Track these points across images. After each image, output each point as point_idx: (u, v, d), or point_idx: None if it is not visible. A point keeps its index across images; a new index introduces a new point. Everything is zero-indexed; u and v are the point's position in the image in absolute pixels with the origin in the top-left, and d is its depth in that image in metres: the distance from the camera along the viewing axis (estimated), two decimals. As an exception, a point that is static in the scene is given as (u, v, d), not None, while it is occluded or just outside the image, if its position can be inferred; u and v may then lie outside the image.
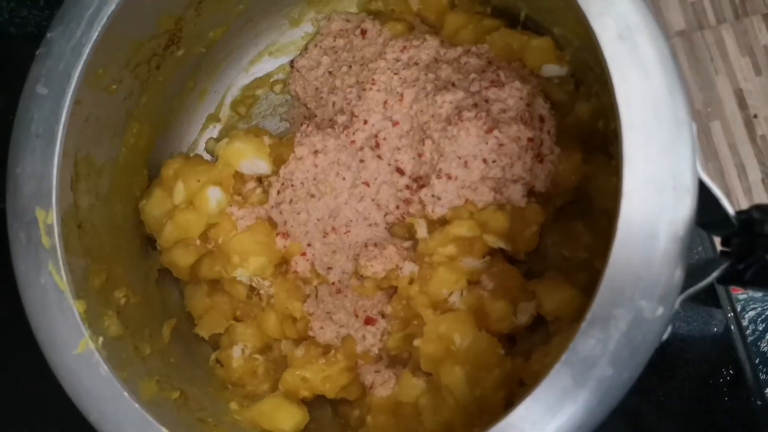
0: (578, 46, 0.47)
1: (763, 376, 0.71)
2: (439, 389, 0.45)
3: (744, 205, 1.12)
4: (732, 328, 0.52)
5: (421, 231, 0.49)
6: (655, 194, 0.34)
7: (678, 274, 0.33)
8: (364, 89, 0.53)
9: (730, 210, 0.35)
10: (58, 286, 0.39)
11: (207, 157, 0.58)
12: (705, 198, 0.35)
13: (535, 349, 0.45)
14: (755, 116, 1.15)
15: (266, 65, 0.60)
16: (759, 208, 0.34)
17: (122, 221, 0.50)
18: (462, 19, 0.53)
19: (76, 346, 0.38)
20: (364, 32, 0.57)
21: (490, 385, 0.44)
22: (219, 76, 0.59)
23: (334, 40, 0.58)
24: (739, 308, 0.76)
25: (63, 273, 0.39)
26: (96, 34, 0.41)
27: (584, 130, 0.49)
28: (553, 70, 0.50)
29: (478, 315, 0.47)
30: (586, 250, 0.48)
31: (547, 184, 0.48)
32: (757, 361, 0.74)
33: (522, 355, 0.46)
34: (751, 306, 0.82)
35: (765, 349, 0.75)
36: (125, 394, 0.37)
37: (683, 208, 0.34)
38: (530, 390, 0.34)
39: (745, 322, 0.78)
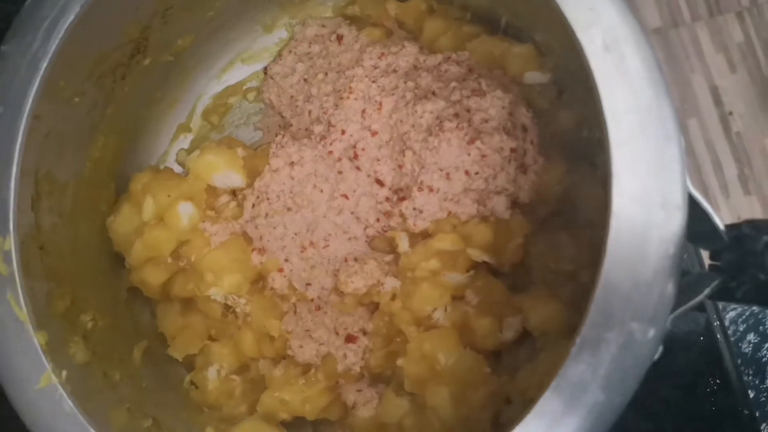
0: (560, 53, 0.46)
1: (745, 378, 0.71)
2: (424, 409, 0.43)
3: (722, 202, 1.13)
4: (718, 336, 0.52)
5: (403, 245, 0.48)
6: (644, 212, 0.32)
7: (669, 294, 0.32)
8: (341, 98, 0.51)
9: (720, 225, 0.34)
10: (17, 317, 0.36)
11: (178, 169, 0.56)
12: (694, 212, 0.34)
13: (521, 365, 0.44)
14: (731, 113, 1.15)
15: (239, 73, 0.58)
16: (750, 223, 0.33)
17: (88, 240, 0.48)
18: (441, 25, 0.52)
19: (38, 380, 0.36)
20: (340, 38, 0.55)
21: (477, 404, 0.42)
22: (189, 85, 0.56)
23: (309, 46, 0.57)
24: (719, 307, 0.76)
25: (22, 302, 0.37)
26: (54, 46, 0.39)
27: (568, 139, 0.48)
28: (535, 77, 0.49)
29: (463, 331, 0.45)
30: (571, 261, 0.47)
31: (531, 194, 0.47)
32: (739, 362, 0.74)
33: (508, 371, 0.45)
34: (732, 306, 0.82)
35: (747, 350, 0.74)
36: (92, 430, 0.35)
37: (673, 225, 0.33)
38: (520, 417, 0.33)
39: (726, 323, 0.78)
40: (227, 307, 0.51)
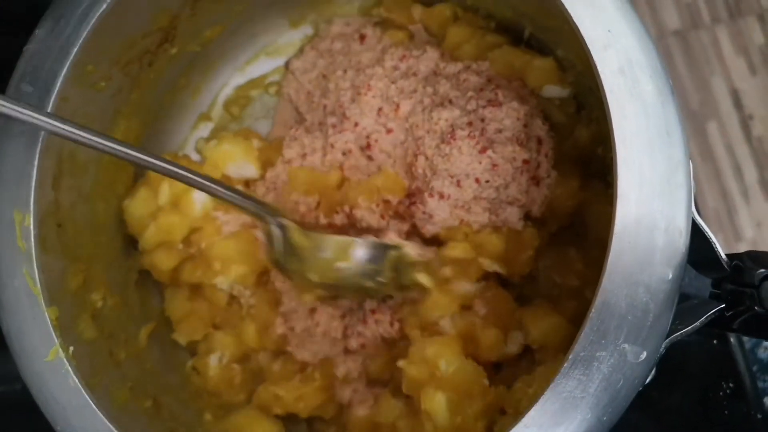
0: (581, 69, 0.46)
1: (761, 384, 0.70)
2: (419, 413, 0.44)
3: (741, 207, 1.10)
4: (731, 340, 0.51)
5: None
6: (646, 235, 0.33)
7: (665, 318, 0.33)
8: (358, 93, 0.51)
9: (722, 254, 0.35)
10: (31, 291, 0.38)
11: (196, 157, 0.57)
12: (699, 239, 0.34)
13: (519, 376, 0.45)
14: (751, 117, 1.13)
15: (262, 66, 0.59)
16: (751, 255, 0.33)
17: (104, 220, 0.49)
18: (464, 33, 0.52)
19: (46, 353, 0.37)
20: (363, 37, 0.56)
21: (472, 414, 0.43)
22: (213, 75, 0.57)
23: (332, 43, 0.57)
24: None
25: (37, 277, 0.38)
26: (86, 32, 0.40)
27: (583, 155, 0.48)
28: (554, 91, 0.49)
29: (468, 341, 0.45)
30: (577, 277, 0.47)
31: (543, 208, 0.47)
32: (755, 368, 0.72)
33: (505, 380, 0.45)
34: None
35: (763, 356, 0.73)
36: (93, 405, 0.36)
37: (674, 250, 0.33)
38: (509, 427, 0.33)
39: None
40: (233, 297, 0.52)
